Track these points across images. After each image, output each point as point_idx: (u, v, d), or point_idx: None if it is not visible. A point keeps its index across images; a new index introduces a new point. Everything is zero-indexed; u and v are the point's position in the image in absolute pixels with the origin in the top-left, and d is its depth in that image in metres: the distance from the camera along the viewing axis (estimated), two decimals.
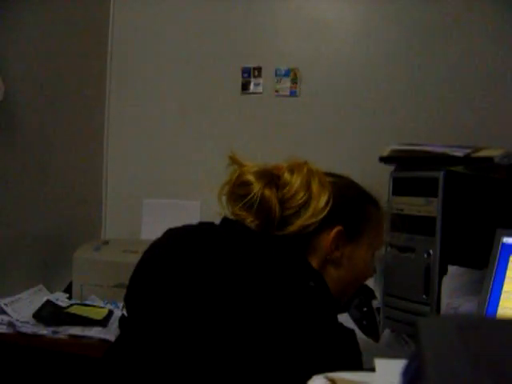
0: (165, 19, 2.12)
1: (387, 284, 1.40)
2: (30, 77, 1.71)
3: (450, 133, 1.81)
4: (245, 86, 2.04)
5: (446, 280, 1.23)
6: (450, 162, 1.30)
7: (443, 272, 1.24)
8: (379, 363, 0.58)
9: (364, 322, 1.45)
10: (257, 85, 2.03)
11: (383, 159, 1.45)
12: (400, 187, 1.38)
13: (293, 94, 2.00)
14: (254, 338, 0.77)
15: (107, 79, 2.14)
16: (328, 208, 0.93)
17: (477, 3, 1.83)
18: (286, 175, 0.95)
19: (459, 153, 1.30)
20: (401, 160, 1.44)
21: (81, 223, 2.02)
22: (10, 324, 1.44)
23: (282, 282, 0.82)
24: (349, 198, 0.99)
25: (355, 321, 1.44)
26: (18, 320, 1.46)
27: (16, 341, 1.42)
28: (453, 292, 1.22)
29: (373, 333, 1.41)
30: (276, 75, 2.01)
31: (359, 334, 1.39)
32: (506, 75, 1.81)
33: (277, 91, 2.01)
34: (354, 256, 0.99)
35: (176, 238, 0.92)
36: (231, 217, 0.96)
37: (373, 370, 0.58)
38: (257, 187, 0.92)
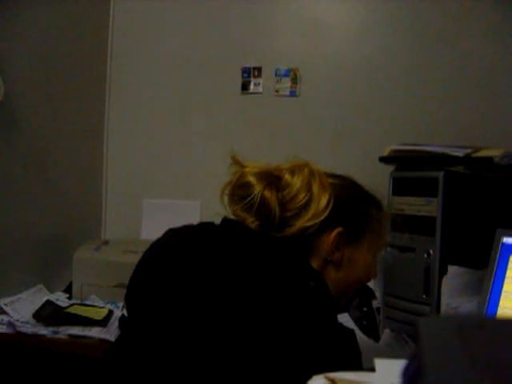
0: (165, 19, 2.11)
1: (387, 284, 1.40)
2: (30, 77, 1.71)
3: (450, 133, 1.81)
4: (245, 86, 2.04)
5: (445, 280, 1.23)
6: (450, 162, 1.30)
7: (443, 272, 1.24)
8: (379, 363, 0.58)
9: (364, 322, 1.45)
10: (257, 85, 2.03)
11: (383, 159, 1.45)
12: (400, 187, 1.38)
13: (293, 93, 2.00)
14: (254, 337, 0.77)
15: (107, 79, 2.14)
16: (329, 209, 0.93)
17: (477, 3, 1.83)
18: (287, 176, 0.95)
19: (459, 153, 1.29)
20: (401, 160, 1.44)
21: (81, 223, 2.02)
22: (10, 324, 1.44)
23: (282, 281, 0.82)
24: (350, 200, 0.99)
25: (355, 321, 1.44)
26: (17, 320, 1.46)
27: (16, 341, 1.42)
28: (453, 292, 1.22)
29: (373, 333, 1.41)
30: (276, 75, 2.01)
31: (359, 334, 1.40)
32: (506, 75, 1.81)
33: (277, 91, 2.01)
34: (354, 257, 0.99)
35: (176, 238, 0.92)
36: (232, 217, 0.96)
37: (373, 370, 0.58)
38: (257, 188, 0.92)
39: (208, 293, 0.81)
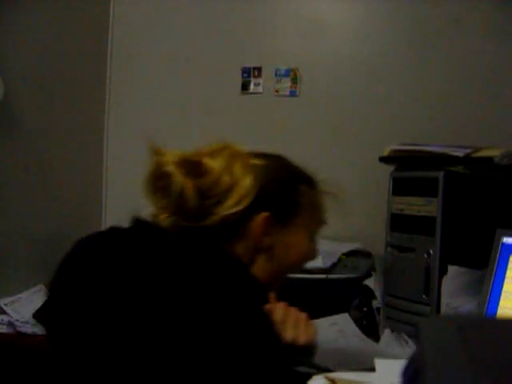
0: (165, 19, 2.11)
1: (387, 284, 1.40)
2: (30, 77, 1.71)
3: (450, 133, 1.81)
4: (245, 86, 2.04)
5: (446, 280, 1.23)
6: (450, 162, 1.30)
7: (443, 272, 1.24)
8: (379, 363, 0.59)
9: (364, 322, 1.45)
10: (257, 85, 2.03)
11: (383, 159, 1.45)
12: (400, 187, 1.38)
13: (293, 93, 2.00)
14: (166, 345, 0.71)
15: (107, 79, 2.14)
16: (252, 194, 0.86)
17: (477, 3, 1.83)
18: (207, 161, 0.89)
19: (459, 153, 1.29)
20: (401, 160, 1.44)
21: (81, 223, 2.02)
22: (10, 324, 1.44)
23: (190, 282, 0.76)
24: (277, 181, 0.93)
25: (355, 321, 1.44)
26: (17, 320, 1.46)
27: (16, 341, 1.42)
28: (453, 292, 1.22)
29: (373, 333, 1.41)
30: (276, 75, 2.01)
31: (359, 334, 1.40)
32: (506, 75, 1.81)
33: (277, 91, 2.01)
34: (288, 241, 0.93)
35: (87, 248, 0.89)
36: (154, 212, 0.92)
37: (373, 369, 0.58)
38: (177, 177, 0.86)
39: (117, 305, 0.76)
